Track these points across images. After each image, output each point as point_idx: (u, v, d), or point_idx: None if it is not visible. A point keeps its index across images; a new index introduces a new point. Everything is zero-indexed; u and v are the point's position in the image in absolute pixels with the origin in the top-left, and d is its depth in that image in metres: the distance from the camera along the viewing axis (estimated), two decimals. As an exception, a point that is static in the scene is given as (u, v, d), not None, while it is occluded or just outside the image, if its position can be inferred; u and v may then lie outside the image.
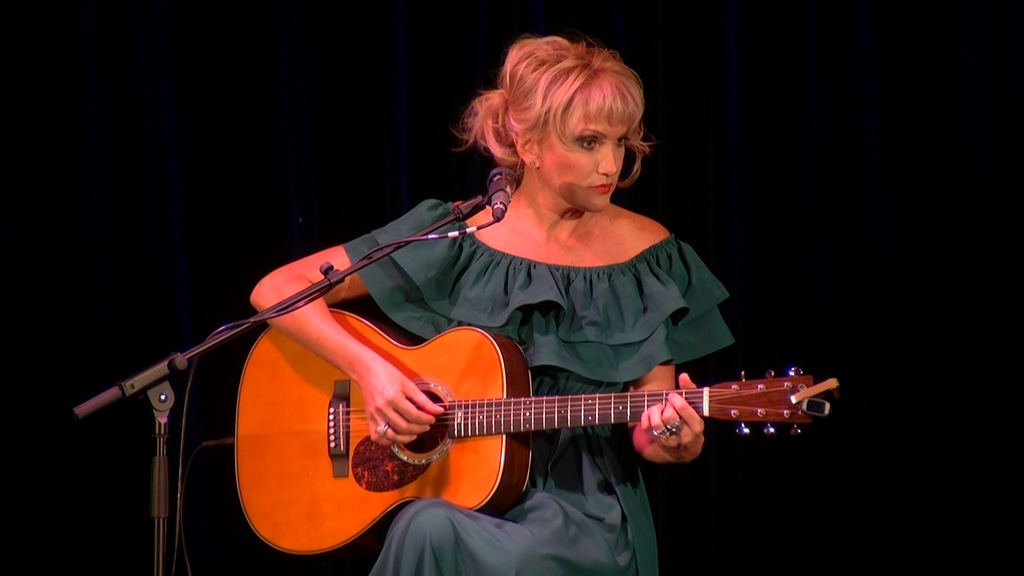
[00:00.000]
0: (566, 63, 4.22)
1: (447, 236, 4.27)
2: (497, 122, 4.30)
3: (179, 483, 3.83)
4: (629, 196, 5.26)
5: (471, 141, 4.36)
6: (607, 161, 4.22)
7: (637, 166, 4.33)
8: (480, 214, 4.28)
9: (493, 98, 4.32)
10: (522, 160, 4.29)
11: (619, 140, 4.23)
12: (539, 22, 5.33)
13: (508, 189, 4.22)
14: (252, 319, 4.01)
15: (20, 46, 5.42)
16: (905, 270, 5.31)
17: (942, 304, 5.29)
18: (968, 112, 5.25)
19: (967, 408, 5.26)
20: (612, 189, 4.27)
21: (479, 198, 4.23)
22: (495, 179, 4.23)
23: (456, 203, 4.35)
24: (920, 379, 5.30)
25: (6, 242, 5.42)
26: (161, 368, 3.76)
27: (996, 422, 5.25)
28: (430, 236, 4.23)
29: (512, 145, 4.29)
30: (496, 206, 4.17)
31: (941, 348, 5.28)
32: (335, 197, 5.47)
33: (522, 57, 4.27)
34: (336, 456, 4.30)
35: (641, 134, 4.30)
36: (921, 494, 5.29)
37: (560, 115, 4.20)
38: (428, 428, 4.20)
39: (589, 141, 4.21)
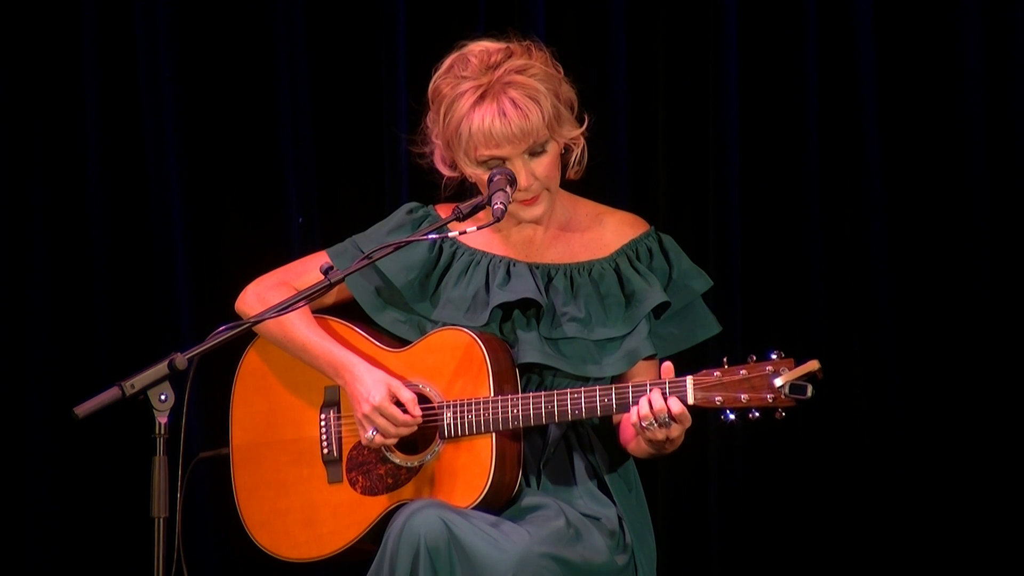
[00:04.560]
0: (461, 87, 4.19)
1: (446, 236, 4.27)
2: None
3: (179, 488, 3.83)
4: (629, 196, 5.28)
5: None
6: (519, 177, 4.20)
7: (576, 156, 4.29)
8: (480, 214, 4.27)
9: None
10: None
11: (531, 151, 4.21)
12: (539, 22, 5.33)
13: (508, 189, 4.20)
14: (253, 319, 4.02)
15: (20, 46, 5.41)
16: (905, 268, 5.31)
17: (942, 302, 5.29)
18: (968, 110, 5.25)
19: (969, 405, 5.26)
20: (542, 197, 4.25)
21: (479, 198, 4.22)
22: (495, 179, 4.22)
23: (437, 205, 4.38)
24: (920, 376, 5.30)
25: (6, 242, 5.42)
26: (161, 368, 3.76)
27: (996, 418, 5.25)
28: (430, 236, 4.23)
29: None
30: (496, 206, 4.16)
31: (941, 345, 5.29)
32: (335, 197, 5.47)
33: (436, 77, 4.27)
34: (330, 462, 4.31)
35: (575, 130, 4.24)
36: (921, 491, 5.29)
37: (456, 144, 4.20)
38: (416, 429, 4.20)
39: (495, 161, 4.20)
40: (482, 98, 4.17)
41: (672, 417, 4.00)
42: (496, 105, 4.16)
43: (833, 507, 5.32)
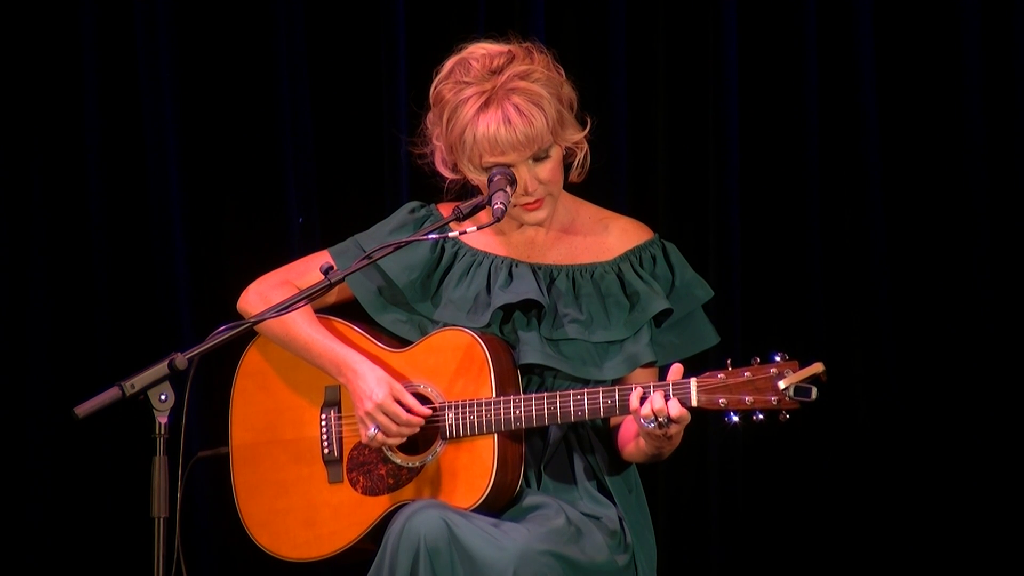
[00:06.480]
0: (464, 93, 4.18)
1: (446, 236, 4.27)
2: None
3: (178, 488, 3.83)
4: (628, 197, 5.27)
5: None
6: (522, 183, 4.20)
7: (580, 160, 4.28)
8: (480, 214, 4.27)
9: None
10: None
11: (535, 157, 4.20)
12: (539, 23, 5.33)
13: (508, 189, 4.19)
14: (254, 318, 4.02)
15: (20, 47, 5.41)
16: (905, 268, 5.32)
17: (941, 301, 5.29)
18: (968, 109, 5.26)
19: (970, 406, 5.26)
20: (544, 202, 4.24)
21: (480, 198, 4.22)
22: (495, 179, 4.21)
23: (440, 204, 4.38)
24: (920, 376, 5.30)
25: (6, 242, 5.42)
26: (161, 368, 3.76)
27: (997, 419, 5.25)
28: (430, 236, 4.23)
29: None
30: (496, 206, 4.15)
31: (941, 345, 5.29)
32: (335, 197, 5.47)
33: (438, 81, 4.25)
34: (330, 462, 4.31)
35: (578, 134, 4.24)
36: (921, 491, 5.29)
37: (459, 150, 4.18)
38: (418, 430, 4.20)
39: (500, 168, 4.19)
40: (486, 105, 4.16)
41: (671, 419, 4.00)
42: (500, 112, 4.15)
43: (833, 507, 5.32)
